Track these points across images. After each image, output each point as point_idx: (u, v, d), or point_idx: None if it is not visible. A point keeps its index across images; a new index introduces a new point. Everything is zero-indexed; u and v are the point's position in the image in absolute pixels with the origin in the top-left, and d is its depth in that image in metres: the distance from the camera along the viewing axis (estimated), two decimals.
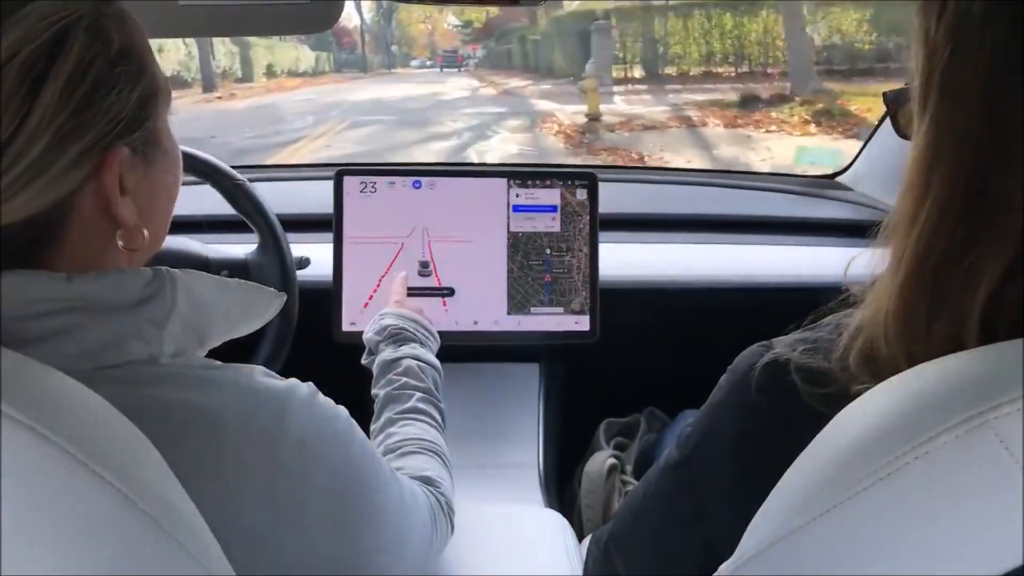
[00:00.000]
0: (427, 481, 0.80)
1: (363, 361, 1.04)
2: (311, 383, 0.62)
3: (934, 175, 0.51)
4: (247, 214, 1.17)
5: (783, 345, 0.61)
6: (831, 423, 0.46)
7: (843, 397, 0.51)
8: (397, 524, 0.67)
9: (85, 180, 0.53)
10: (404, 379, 0.95)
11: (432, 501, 0.77)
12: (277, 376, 0.60)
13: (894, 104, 0.62)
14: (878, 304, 0.54)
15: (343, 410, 0.64)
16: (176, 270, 0.57)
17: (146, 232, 0.57)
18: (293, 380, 0.61)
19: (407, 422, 0.90)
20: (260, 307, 0.64)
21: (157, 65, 0.59)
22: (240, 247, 1.24)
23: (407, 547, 0.70)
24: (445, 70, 24.81)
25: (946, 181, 0.51)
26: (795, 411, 0.56)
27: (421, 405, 0.93)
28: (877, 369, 0.53)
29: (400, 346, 1.01)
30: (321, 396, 0.62)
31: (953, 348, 0.48)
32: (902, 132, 0.60)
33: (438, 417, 0.93)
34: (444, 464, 0.87)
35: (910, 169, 0.53)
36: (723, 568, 0.50)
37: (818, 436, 0.46)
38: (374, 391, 0.96)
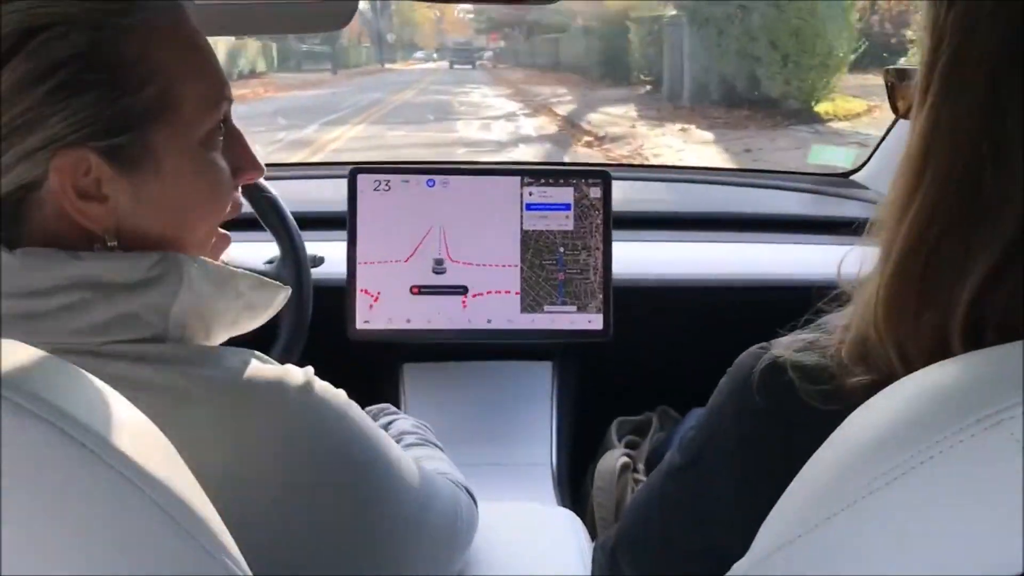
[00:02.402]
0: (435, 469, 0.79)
1: None
2: (309, 368, 0.62)
3: (928, 166, 0.51)
4: (272, 227, 1.16)
5: (781, 346, 0.61)
6: (845, 422, 0.46)
7: (840, 392, 0.50)
8: (415, 494, 0.67)
9: (43, 175, 0.55)
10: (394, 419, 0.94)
11: (449, 485, 0.76)
12: (272, 361, 0.61)
13: (895, 81, 0.61)
14: (868, 295, 0.54)
15: (341, 392, 0.64)
16: (182, 255, 0.58)
17: (113, 243, 0.57)
18: (288, 365, 0.61)
19: (407, 436, 0.89)
20: (266, 299, 0.64)
21: (185, 85, 0.58)
22: (252, 251, 1.24)
23: (428, 517, 0.70)
24: (456, 67, 22.30)
25: (940, 174, 0.50)
26: (797, 412, 0.56)
27: (416, 431, 0.92)
28: (868, 360, 0.53)
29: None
30: (318, 379, 0.62)
31: (940, 339, 0.49)
32: (898, 110, 0.60)
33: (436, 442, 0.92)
34: (448, 460, 0.86)
35: (904, 158, 0.52)
36: (736, 568, 0.49)
37: (832, 435, 0.46)
38: None
